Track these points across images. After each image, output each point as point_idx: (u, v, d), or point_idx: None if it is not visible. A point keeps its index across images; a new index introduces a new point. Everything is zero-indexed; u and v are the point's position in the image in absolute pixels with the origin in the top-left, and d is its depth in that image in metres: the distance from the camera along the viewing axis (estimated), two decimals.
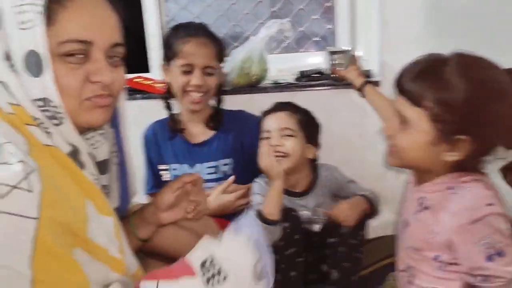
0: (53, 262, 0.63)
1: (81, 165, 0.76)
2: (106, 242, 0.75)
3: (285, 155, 1.39)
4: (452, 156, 0.93)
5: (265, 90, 1.78)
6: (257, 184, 1.45)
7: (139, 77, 1.90)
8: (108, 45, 0.74)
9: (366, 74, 1.72)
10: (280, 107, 1.47)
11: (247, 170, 1.50)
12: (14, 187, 0.60)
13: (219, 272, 0.69)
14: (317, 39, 2.05)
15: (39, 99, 0.68)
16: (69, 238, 0.67)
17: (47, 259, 0.63)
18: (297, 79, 1.84)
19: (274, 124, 1.43)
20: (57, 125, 0.70)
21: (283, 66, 1.96)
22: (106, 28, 0.74)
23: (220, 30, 2.03)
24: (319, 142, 1.50)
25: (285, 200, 1.42)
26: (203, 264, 0.70)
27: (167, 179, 1.55)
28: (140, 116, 1.65)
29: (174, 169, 1.55)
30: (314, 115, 1.51)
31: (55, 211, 0.64)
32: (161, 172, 1.57)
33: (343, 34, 1.94)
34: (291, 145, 1.41)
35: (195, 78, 1.41)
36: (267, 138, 1.43)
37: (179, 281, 0.69)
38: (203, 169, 1.51)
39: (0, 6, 0.67)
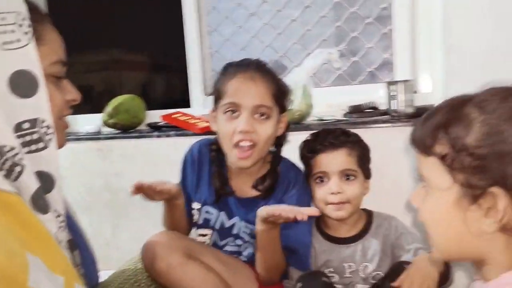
0: None
1: (45, 207, 0.66)
2: None
3: (347, 202, 1.17)
4: (490, 224, 0.64)
5: (309, 128, 1.57)
6: None
7: (178, 112, 1.80)
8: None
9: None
10: (337, 142, 1.19)
11: None
12: None
13: None
14: (372, 69, 1.82)
15: (26, 121, 0.65)
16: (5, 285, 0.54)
17: None
18: (346, 114, 1.62)
19: (332, 165, 1.17)
20: (40, 149, 0.67)
21: (333, 101, 1.75)
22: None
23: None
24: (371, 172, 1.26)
25: (326, 248, 1.19)
26: None
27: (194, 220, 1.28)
28: (173, 155, 1.54)
29: (207, 212, 1.26)
30: (363, 139, 1.26)
31: None
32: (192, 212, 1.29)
33: (402, 63, 1.70)
34: (354, 190, 1.17)
35: (242, 122, 1.13)
36: (321, 181, 1.20)
37: None
38: (240, 227, 1.23)
39: None
